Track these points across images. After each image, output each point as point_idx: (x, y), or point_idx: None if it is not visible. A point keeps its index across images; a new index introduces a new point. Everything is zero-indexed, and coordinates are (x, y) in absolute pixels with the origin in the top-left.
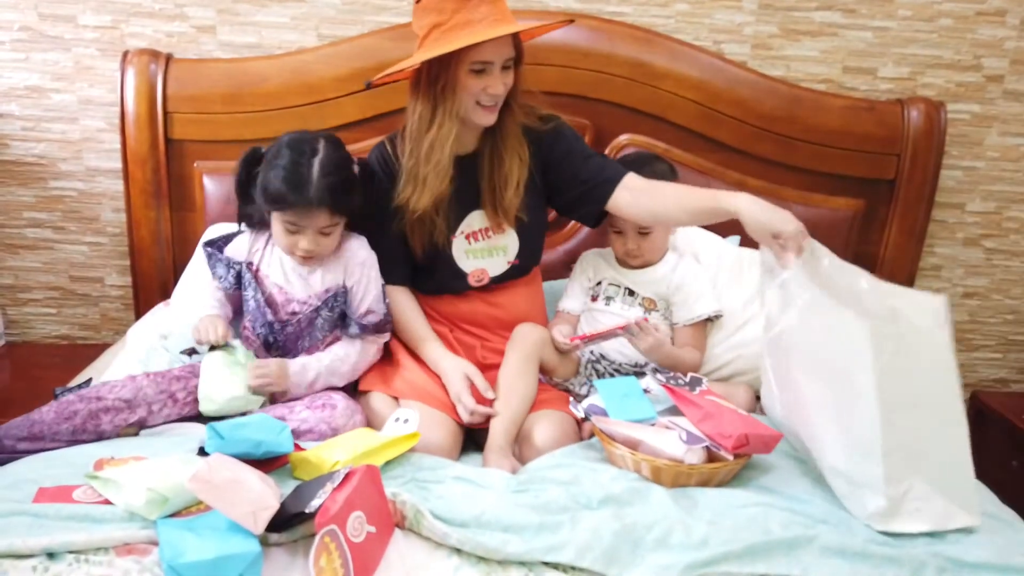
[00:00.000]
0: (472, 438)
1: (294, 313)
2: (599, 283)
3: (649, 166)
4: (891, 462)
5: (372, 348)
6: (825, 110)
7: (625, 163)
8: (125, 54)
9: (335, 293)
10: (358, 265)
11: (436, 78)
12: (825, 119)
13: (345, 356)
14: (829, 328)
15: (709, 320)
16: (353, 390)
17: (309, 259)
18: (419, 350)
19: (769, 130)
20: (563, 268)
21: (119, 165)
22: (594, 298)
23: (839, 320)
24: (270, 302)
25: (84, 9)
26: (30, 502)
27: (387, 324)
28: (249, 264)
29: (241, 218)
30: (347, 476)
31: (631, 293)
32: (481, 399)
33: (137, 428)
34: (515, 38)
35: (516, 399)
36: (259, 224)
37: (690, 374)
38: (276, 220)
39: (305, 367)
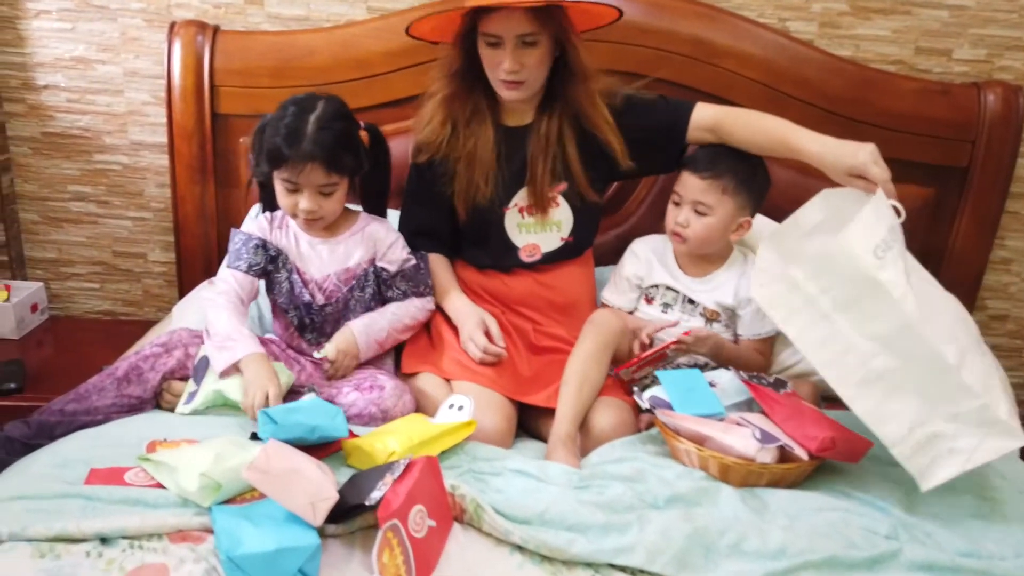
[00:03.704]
0: (523, 424)
1: (336, 300)
2: (655, 285)
3: (742, 165)
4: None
5: (424, 304)
6: (896, 93)
7: (709, 159)
8: (172, 25)
9: (365, 274)
10: (388, 246)
11: (456, 40)
12: (896, 102)
13: (401, 308)
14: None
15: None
16: (396, 372)
17: (313, 223)
18: (442, 302)
19: (836, 113)
20: (615, 254)
21: (164, 139)
22: (649, 299)
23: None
24: (306, 283)
25: None
26: (82, 483)
27: (426, 280)
28: (279, 250)
29: (262, 197)
30: (407, 467)
31: (691, 302)
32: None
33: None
34: (545, 15)
35: (588, 387)
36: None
37: (774, 376)
38: (276, 180)
39: (368, 324)
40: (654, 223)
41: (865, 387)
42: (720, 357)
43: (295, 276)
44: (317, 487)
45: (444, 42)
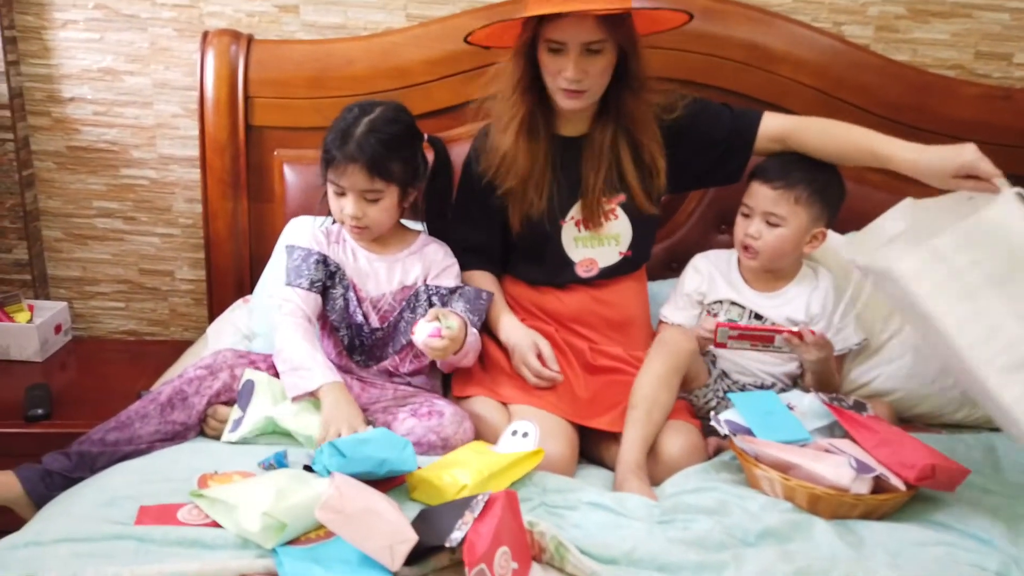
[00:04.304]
0: (580, 449)
1: (386, 324)
2: (719, 301)
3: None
4: None
5: (477, 339)
6: (958, 98)
7: (781, 167)
8: (205, 35)
9: (415, 292)
10: (442, 269)
11: (519, 50)
12: (958, 108)
13: (474, 335)
14: None
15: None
16: (446, 395)
17: (360, 232)
18: (495, 326)
19: (895, 120)
20: (663, 267)
21: (193, 153)
22: (712, 315)
23: None
24: (361, 301)
25: None
26: (132, 523)
27: (483, 316)
28: (337, 265)
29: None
30: (487, 504)
31: (757, 317)
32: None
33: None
34: (612, 22)
35: (657, 413)
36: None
37: (853, 398)
38: (328, 183)
39: (474, 338)
40: (703, 235)
41: (1014, 372)
42: (820, 372)
43: (351, 294)
44: (395, 528)
45: (502, 48)
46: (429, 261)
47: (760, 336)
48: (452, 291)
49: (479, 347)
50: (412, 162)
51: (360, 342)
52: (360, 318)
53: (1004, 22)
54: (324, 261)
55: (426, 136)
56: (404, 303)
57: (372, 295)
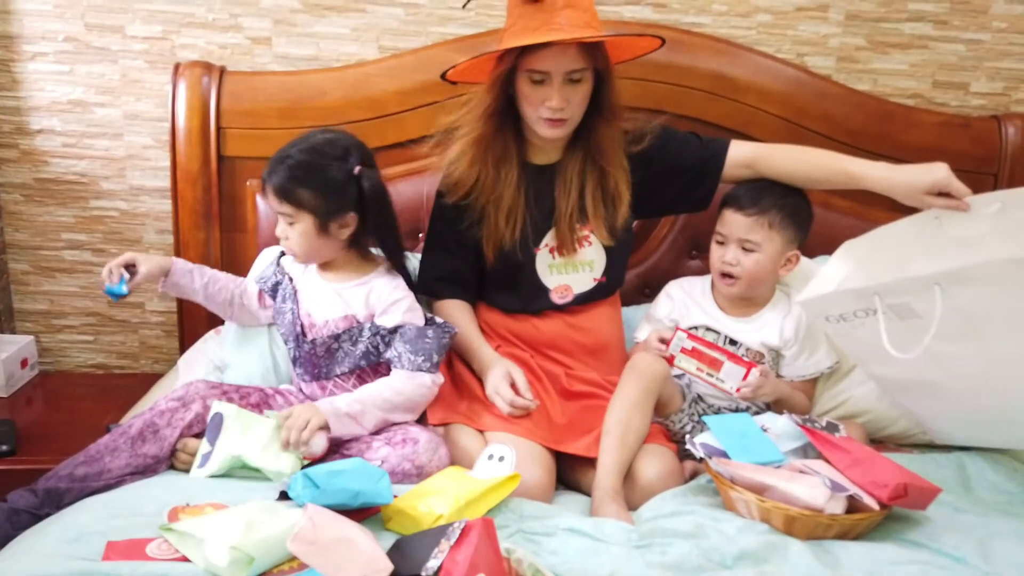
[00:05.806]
0: (560, 477)
1: (314, 339)
2: (694, 328)
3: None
4: None
5: (422, 382)
6: (918, 126)
7: (753, 195)
8: (177, 66)
9: (360, 327)
10: (390, 304)
11: (495, 81)
12: (918, 136)
13: (393, 383)
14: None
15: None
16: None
17: (295, 255)
18: (470, 357)
19: (858, 147)
20: (636, 292)
21: (164, 184)
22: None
23: None
24: (301, 318)
25: (133, 19)
26: (99, 559)
27: (432, 354)
28: (290, 278)
29: None
30: (463, 532)
31: (732, 343)
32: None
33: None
34: (592, 51)
35: (632, 437)
36: None
37: (826, 419)
38: None
39: (333, 402)
40: (676, 261)
41: None
42: (780, 400)
43: (296, 308)
44: (370, 558)
45: (476, 83)
46: (376, 296)
47: (710, 357)
48: (392, 331)
49: (393, 400)
50: (328, 193)
51: (300, 355)
52: (299, 330)
53: (960, 53)
54: (277, 262)
55: (357, 168)
56: (344, 331)
57: (317, 322)
